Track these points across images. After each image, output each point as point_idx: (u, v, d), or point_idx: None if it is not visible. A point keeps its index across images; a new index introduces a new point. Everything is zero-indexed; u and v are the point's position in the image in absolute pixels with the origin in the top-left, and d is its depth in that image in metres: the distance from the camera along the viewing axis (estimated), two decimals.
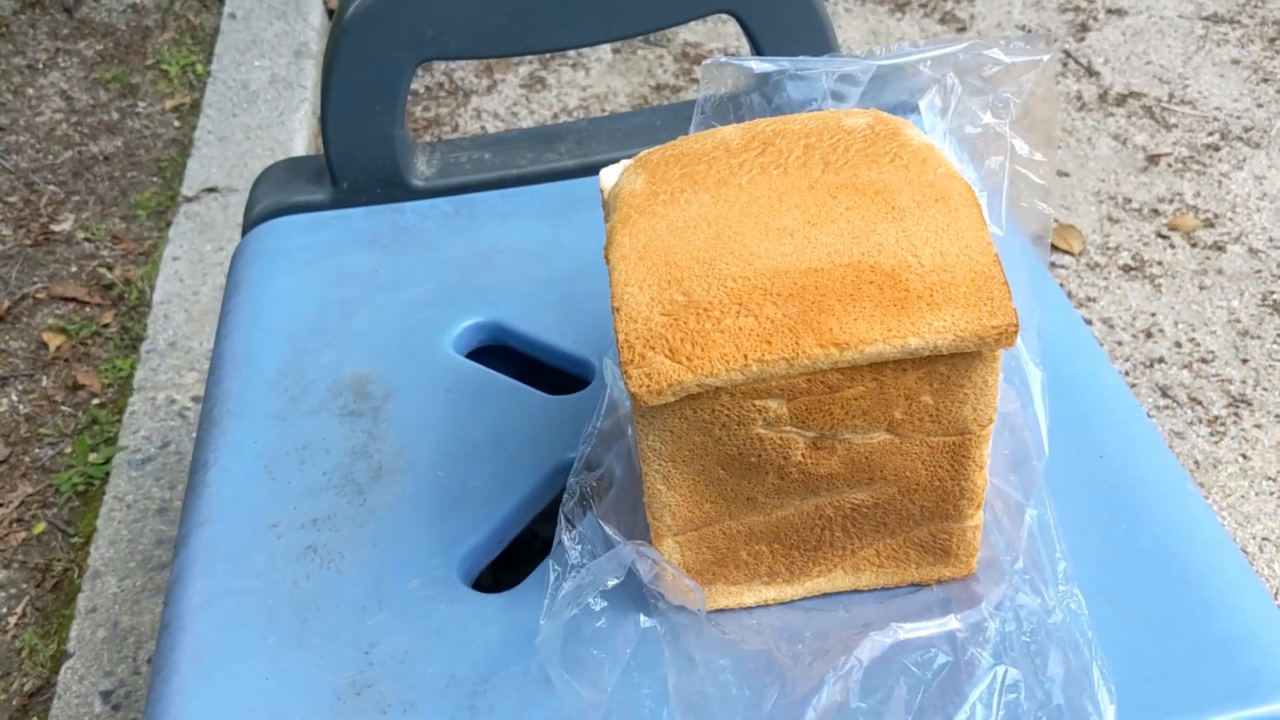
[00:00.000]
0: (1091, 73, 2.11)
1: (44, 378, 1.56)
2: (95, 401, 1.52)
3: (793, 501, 0.58)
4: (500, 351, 0.83)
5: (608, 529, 0.58)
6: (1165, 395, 1.52)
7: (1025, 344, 0.67)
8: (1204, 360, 1.57)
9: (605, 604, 0.59)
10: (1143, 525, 0.66)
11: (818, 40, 0.95)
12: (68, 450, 1.46)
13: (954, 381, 0.53)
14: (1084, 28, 2.23)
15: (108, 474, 1.40)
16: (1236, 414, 1.50)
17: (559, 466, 0.72)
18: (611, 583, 0.56)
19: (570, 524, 0.61)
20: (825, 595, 0.62)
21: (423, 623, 0.63)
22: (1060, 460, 0.67)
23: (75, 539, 1.35)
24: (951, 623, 0.59)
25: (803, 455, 0.55)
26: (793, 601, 0.62)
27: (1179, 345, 1.59)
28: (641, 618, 0.60)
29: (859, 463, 0.56)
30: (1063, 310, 0.80)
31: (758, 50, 0.94)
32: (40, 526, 1.37)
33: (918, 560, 0.61)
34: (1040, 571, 0.61)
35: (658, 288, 0.53)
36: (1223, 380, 1.54)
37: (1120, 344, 1.60)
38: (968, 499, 0.58)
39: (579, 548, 0.59)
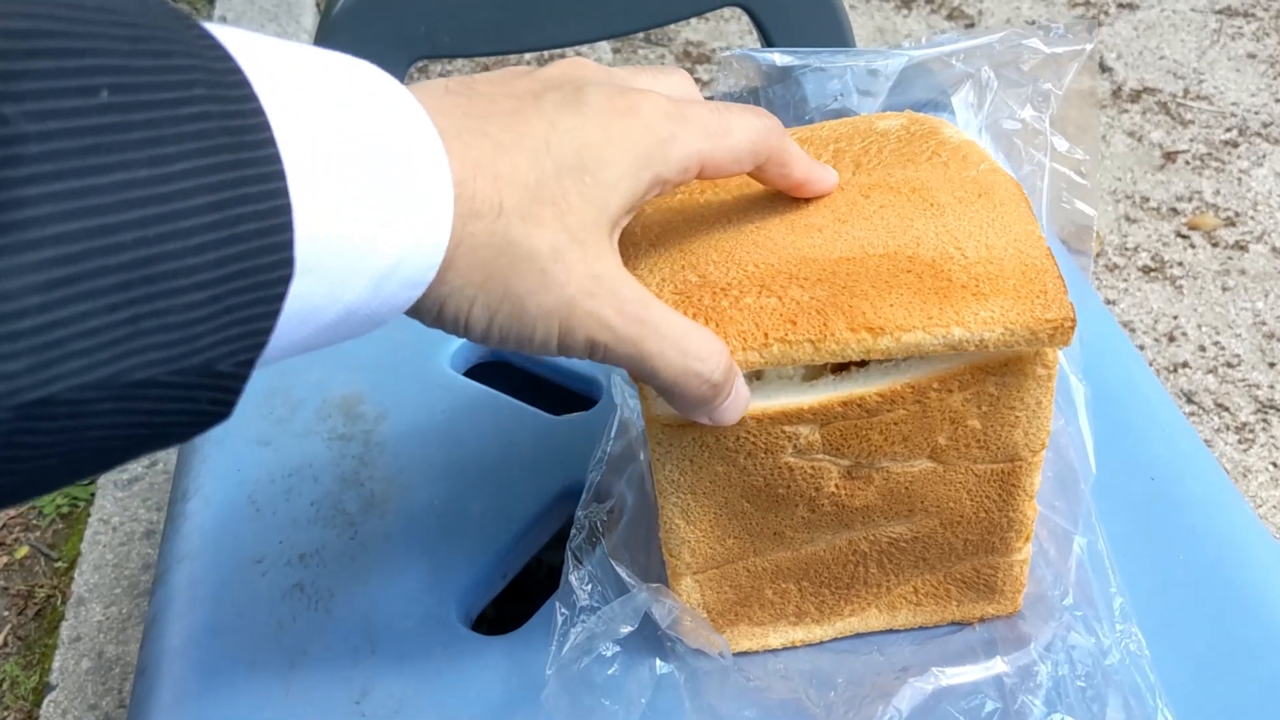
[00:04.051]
0: (1104, 68, 2.06)
1: None
2: None
3: (824, 536, 0.53)
4: (500, 368, 0.78)
5: (619, 569, 0.53)
6: (1191, 401, 1.47)
7: (1068, 357, 0.62)
8: (1229, 364, 1.52)
9: (617, 648, 0.54)
10: (1200, 551, 0.61)
11: (833, 34, 0.90)
12: None
13: (1004, 403, 0.48)
14: (1095, 22, 2.18)
15: (92, 495, 1.35)
16: (1265, 420, 1.44)
17: (564, 492, 0.67)
18: (625, 630, 0.51)
19: (578, 561, 0.56)
20: (858, 636, 0.58)
21: (418, 667, 0.58)
22: (1107, 482, 0.62)
23: (59, 563, 1.30)
24: (998, 666, 0.55)
25: (836, 486, 0.50)
26: (822, 643, 0.58)
27: (1203, 349, 1.54)
28: (658, 663, 0.55)
29: (898, 493, 0.51)
30: (1102, 319, 0.75)
31: (769, 45, 0.89)
32: (23, 550, 1.32)
33: (959, 597, 0.56)
34: (1093, 607, 0.56)
35: (670, 270, 0.47)
36: (1250, 385, 1.49)
37: (1142, 348, 1.55)
38: (1015, 531, 0.53)
39: (588, 588, 0.54)
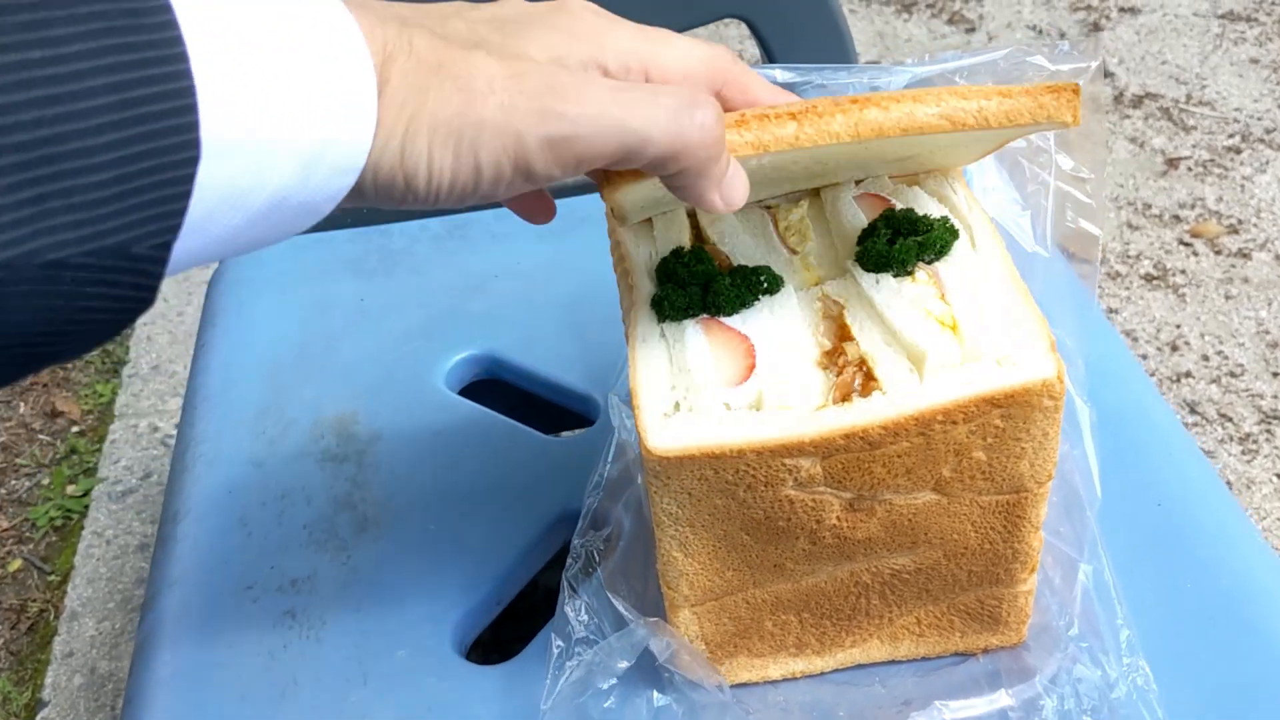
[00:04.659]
0: (1106, 74, 2.05)
1: (21, 404, 1.50)
2: (74, 429, 1.46)
3: (825, 568, 0.51)
4: (496, 387, 0.77)
5: (616, 602, 0.52)
6: (1194, 411, 1.46)
7: (1072, 378, 0.61)
8: (1233, 374, 1.50)
9: (614, 680, 0.53)
10: (1209, 581, 0.60)
11: (834, 47, 0.89)
12: (45, 482, 1.39)
13: (1010, 435, 0.47)
14: (1096, 27, 2.17)
15: (86, 507, 1.34)
16: (1269, 431, 1.43)
17: (561, 515, 0.66)
18: (622, 666, 0.50)
19: (574, 590, 0.54)
20: (859, 667, 0.57)
21: (411, 699, 0.58)
22: (1113, 509, 0.60)
23: (52, 577, 1.29)
24: (1002, 699, 0.54)
25: (838, 518, 0.49)
26: (823, 674, 0.57)
27: (1206, 358, 1.53)
28: (655, 695, 0.54)
29: (901, 525, 0.50)
30: (1107, 336, 0.74)
31: (770, 58, 0.88)
32: (16, 564, 1.31)
33: (963, 628, 0.55)
34: (1099, 638, 0.55)
35: None
36: (1253, 395, 1.48)
37: (1145, 357, 1.53)
38: (1021, 562, 0.52)
39: (584, 620, 0.53)
